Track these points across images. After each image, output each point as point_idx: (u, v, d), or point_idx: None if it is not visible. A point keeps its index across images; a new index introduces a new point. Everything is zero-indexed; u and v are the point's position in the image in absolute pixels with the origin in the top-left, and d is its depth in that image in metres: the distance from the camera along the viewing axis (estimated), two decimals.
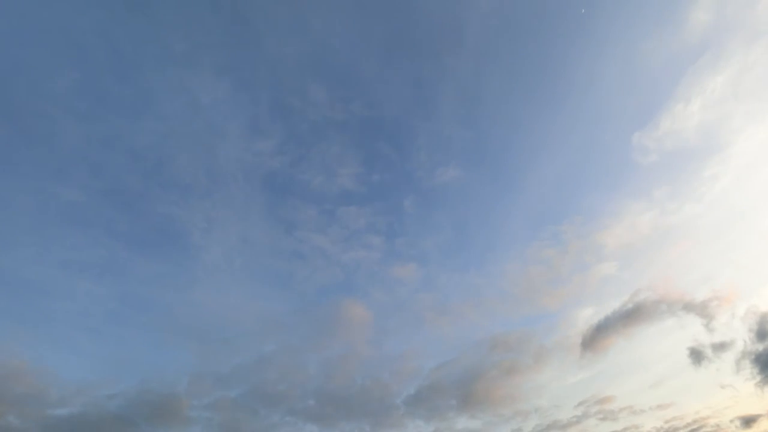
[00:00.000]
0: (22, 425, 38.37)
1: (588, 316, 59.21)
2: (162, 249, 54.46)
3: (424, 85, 63.81)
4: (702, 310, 49.25)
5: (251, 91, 57.93)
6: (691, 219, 58.46)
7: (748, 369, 45.38)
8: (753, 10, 51.26)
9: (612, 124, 63.14)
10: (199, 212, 53.48)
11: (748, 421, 45.48)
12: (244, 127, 58.58)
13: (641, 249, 59.78)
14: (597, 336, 54.16)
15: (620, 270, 59.79)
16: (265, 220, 61.38)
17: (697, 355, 48.61)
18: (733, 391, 47.04)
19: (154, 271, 53.61)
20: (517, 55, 62.02)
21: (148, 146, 51.01)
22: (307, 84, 58.51)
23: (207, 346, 52.69)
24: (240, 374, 52.69)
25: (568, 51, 60.45)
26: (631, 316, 52.97)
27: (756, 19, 51.34)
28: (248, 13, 51.97)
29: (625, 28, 57.06)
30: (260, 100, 59.99)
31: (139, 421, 41.92)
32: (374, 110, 62.50)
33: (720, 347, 47.16)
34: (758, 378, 44.75)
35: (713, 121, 56.57)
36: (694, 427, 47.25)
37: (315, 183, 61.98)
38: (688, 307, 50.24)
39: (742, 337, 46.31)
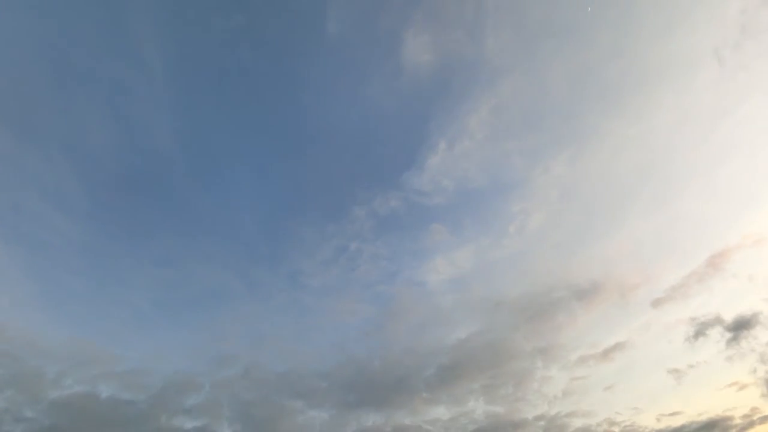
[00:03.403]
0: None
1: None
2: None
3: None
4: None
5: None
6: (514, 254, 56.47)
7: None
8: (480, 47, 49.09)
9: (378, 167, 59.52)
10: None
11: (762, 419, 44.54)
12: None
13: (469, 282, 57.27)
14: None
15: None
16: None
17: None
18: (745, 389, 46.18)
19: None
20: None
21: None
22: None
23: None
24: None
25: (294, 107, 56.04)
26: None
27: (486, 56, 49.59)
28: None
29: (340, 77, 53.73)
30: None
31: None
32: None
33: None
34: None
35: (494, 159, 55.04)
36: (707, 423, 46.81)
37: None
38: None
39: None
